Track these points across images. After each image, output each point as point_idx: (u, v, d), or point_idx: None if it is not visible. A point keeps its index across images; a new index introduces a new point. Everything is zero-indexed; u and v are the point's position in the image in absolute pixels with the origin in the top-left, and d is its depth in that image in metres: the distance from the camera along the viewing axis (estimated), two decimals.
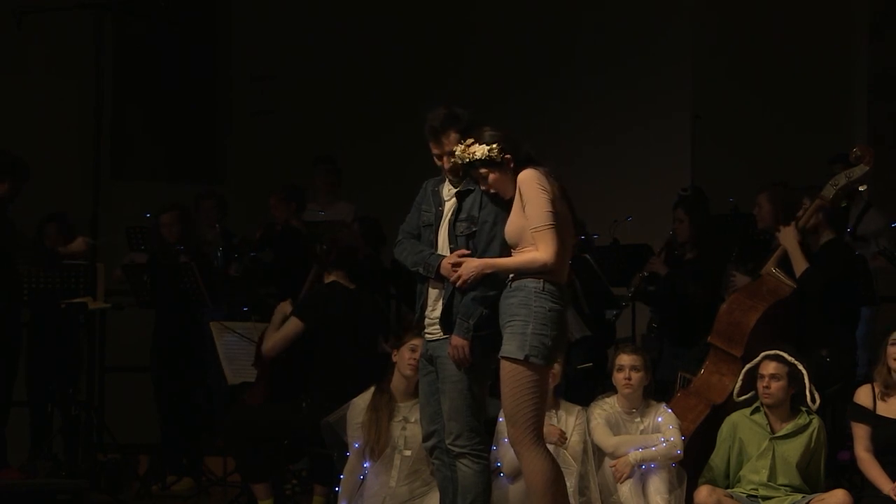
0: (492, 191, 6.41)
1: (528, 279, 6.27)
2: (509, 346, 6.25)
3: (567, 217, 6.35)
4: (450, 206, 6.63)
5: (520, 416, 6.25)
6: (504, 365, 6.31)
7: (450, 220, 6.59)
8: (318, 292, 8.49)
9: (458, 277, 6.38)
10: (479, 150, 6.23)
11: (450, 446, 6.54)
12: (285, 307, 8.49)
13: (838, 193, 8.18)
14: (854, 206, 9.52)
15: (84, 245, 9.10)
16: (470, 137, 6.32)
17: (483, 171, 6.29)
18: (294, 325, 8.31)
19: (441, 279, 6.51)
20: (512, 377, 6.24)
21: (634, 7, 11.63)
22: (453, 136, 6.48)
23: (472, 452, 6.53)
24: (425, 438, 6.75)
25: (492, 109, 6.56)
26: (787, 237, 8.22)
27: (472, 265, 6.36)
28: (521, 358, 6.20)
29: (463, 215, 6.56)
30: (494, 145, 6.21)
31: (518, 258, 6.33)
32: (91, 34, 9.23)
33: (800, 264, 8.15)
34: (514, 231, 6.36)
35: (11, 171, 8.84)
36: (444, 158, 6.54)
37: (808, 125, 11.42)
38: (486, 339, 6.50)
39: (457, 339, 6.45)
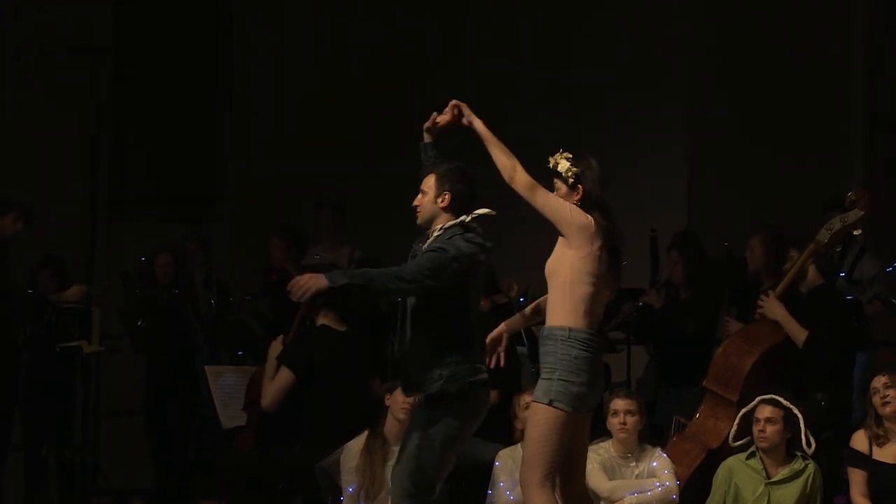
0: None
1: (555, 327, 6.34)
2: (537, 391, 6.36)
3: (605, 274, 6.40)
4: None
5: (532, 457, 6.30)
6: (531, 407, 6.41)
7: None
8: (305, 338, 8.48)
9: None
10: (563, 165, 6.51)
11: None
12: (277, 346, 8.48)
13: (833, 238, 8.17)
14: (849, 251, 9.50)
15: (80, 294, 9.10)
16: (568, 154, 6.56)
17: (556, 181, 6.55)
18: (286, 375, 8.32)
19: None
20: (533, 419, 6.34)
21: (632, 47, 11.63)
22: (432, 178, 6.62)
23: None
24: None
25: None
26: (773, 309, 8.19)
27: None
28: (546, 402, 6.28)
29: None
30: (575, 169, 6.46)
31: (501, 148, 6.59)
32: (88, 77, 9.24)
33: (798, 333, 8.13)
34: (553, 262, 6.44)
35: (10, 209, 8.86)
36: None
37: (804, 167, 11.40)
38: (433, 397, 6.39)
39: (315, 278, 6.22)
